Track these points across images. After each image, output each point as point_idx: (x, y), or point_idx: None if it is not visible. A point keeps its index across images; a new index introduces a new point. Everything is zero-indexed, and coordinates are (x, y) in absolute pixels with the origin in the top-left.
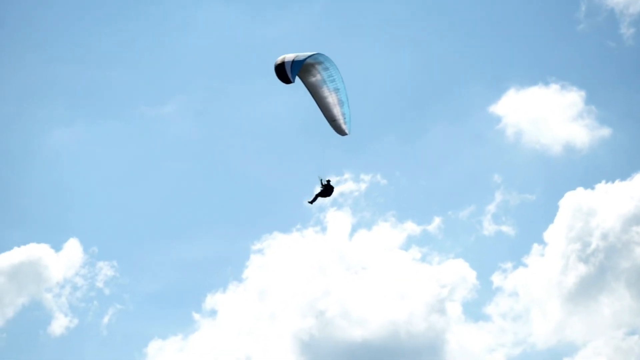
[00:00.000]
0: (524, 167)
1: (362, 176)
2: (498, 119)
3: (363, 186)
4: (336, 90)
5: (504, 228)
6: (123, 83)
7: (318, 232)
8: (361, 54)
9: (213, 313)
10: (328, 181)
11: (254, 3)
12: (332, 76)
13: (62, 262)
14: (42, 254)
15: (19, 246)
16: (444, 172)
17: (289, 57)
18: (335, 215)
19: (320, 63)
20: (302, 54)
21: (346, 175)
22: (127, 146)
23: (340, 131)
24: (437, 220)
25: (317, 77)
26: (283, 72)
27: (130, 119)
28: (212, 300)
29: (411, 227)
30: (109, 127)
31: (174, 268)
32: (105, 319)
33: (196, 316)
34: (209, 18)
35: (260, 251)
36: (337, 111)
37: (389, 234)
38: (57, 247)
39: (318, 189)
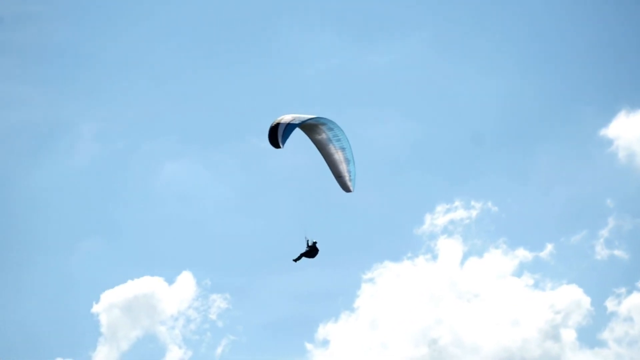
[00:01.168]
0: (637, 191)
1: (473, 203)
2: (609, 142)
3: (474, 213)
4: (342, 149)
5: (617, 252)
6: (232, 114)
7: (429, 260)
8: (470, 79)
9: (325, 343)
10: (314, 242)
11: (363, 31)
12: (337, 136)
13: (175, 295)
14: (156, 287)
15: (133, 279)
16: (555, 197)
17: (286, 119)
18: (446, 243)
19: (324, 124)
20: (301, 117)
21: (456, 203)
22: (237, 177)
23: (345, 187)
24: (549, 247)
25: (322, 136)
26: (274, 136)
27: (239, 149)
28: (324, 330)
29: (523, 254)
30: (219, 158)
31: (285, 299)
32: (219, 350)
33: (309, 346)
34: (318, 46)
35: (371, 280)
36: (342, 168)
37: (500, 261)
38: (170, 280)
39: (303, 249)
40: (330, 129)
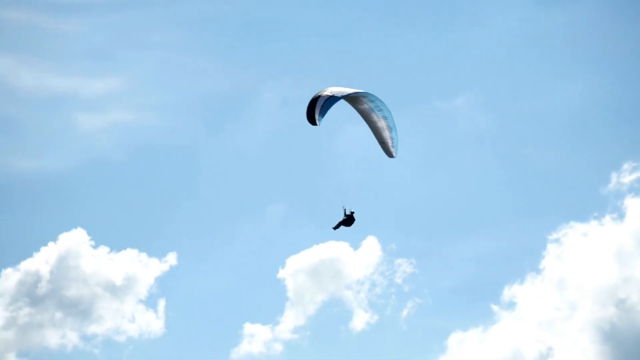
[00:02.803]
0: None
1: None
2: None
3: None
4: (384, 117)
5: None
6: (415, 77)
7: (615, 220)
8: None
9: (512, 305)
10: (352, 212)
11: None
12: (379, 106)
13: (360, 259)
14: (342, 252)
15: (318, 244)
16: None
17: (326, 93)
18: (633, 202)
19: (365, 96)
20: (342, 90)
21: None
22: (421, 140)
23: (388, 153)
24: None
25: (365, 106)
26: (312, 113)
27: (423, 112)
28: (510, 292)
29: None
30: (401, 121)
31: (471, 261)
32: (404, 313)
33: (495, 308)
34: (498, 8)
35: (557, 241)
36: (385, 135)
37: None
38: (355, 245)
39: (341, 219)
40: (372, 101)
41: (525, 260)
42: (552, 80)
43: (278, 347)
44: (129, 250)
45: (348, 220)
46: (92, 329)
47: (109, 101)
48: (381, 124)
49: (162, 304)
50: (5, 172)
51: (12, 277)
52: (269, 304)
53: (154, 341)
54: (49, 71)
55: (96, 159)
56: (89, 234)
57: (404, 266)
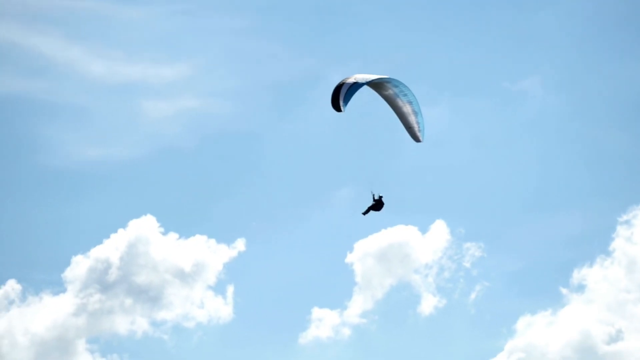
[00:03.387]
0: None
1: None
2: None
3: None
4: (409, 102)
5: None
6: (484, 59)
7: None
8: None
9: (581, 287)
10: (380, 197)
11: None
12: (404, 91)
13: (429, 243)
14: (410, 236)
15: (386, 228)
16: None
17: (350, 80)
18: None
19: (389, 82)
20: (366, 77)
21: None
22: (490, 122)
23: (415, 138)
24: None
25: (389, 92)
26: (336, 99)
27: (492, 94)
28: (579, 274)
29: None
30: (470, 104)
31: (539, 245)
32: (472, 296)
33: (564, 291)
34: None
35: (627, 223)
36: (412, 120)
37: None
38: (424, 229)
39: (370, 204)
40: (396, 86)
41: (594, 242)
42: (624, 61)
43: (346, 332)
44: (197, 236)
45: (377, 204)
46: (162, 315)
47: (176, 88)
48: (407, 109)
49: (230, 290)
50: (75, 160)
51: (82, 264)
52: (337, 288)
53: (222, 327)
54: (118, 59)
55: (164, 146)
56: (158, 220)
57: (473, 250)
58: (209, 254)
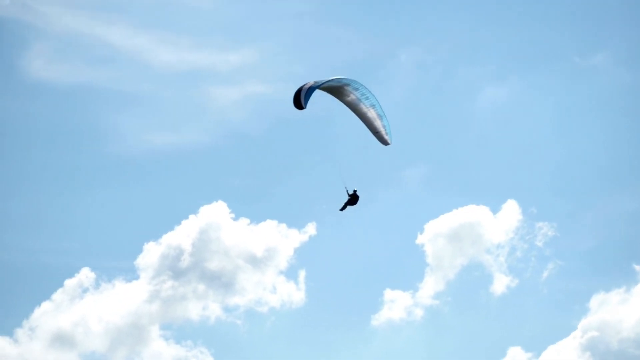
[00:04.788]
0: None
1: None
2: None
3: None
4: (372, 106)
5: None
6: (554, 34)
7: None
8: None
9: None
10: (355, 190)
11: None
12: (365, 94)
13: (500, 223)
14: (481, 216)
15: (457, 208)
16: None
17: (308, 84)
18: None
19: (348, 85)
20: (320, 80)
21: None
22: (560, 98)
23: (383, 141)
24: None
25: (351, 97)
26: (297, 99)
27: (562, 70)
28: None
29: None
30: (541, 81)
31: (612, 222)
32: (545, 276)
33: (637, 268)
34: None
35: None
36: (377, 124)
37: None
38: (495, 209)
39: (346, 198)
40: (356, 89)
41: None
42: None
43: (419, 313)
44: (268, 221)
45: (352, 199)
46: (234, 300)
47: (243, 74)
48: (371, 113)
49: (302, 274)
50: (145, 148)
51: (154, 250)
52: (409, 269)
53: (295, 311)
54: (184, 47)
55: (233, 131)
56: (229, 206)
57: (545, 229)
58: (280, 238)
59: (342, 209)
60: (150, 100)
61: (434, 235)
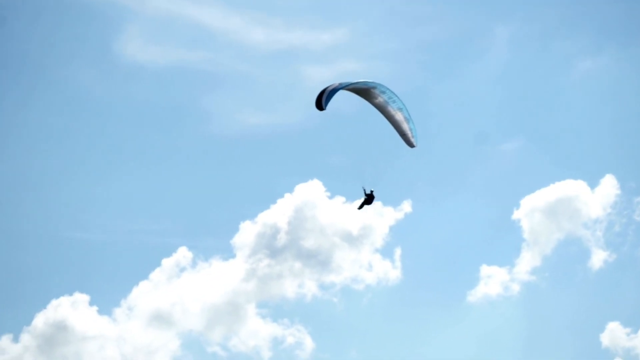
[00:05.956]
0: None
1: None
2: None
3: None
4: (400, 109)
5: None
6: None
7: None
8: None
9: None
10: (372, 191)
11: None
12: (392, 97)
13: (598, 198)
14: (579, 191)
15: (554, 183)
16: None
17: (332, 86)
18: None
19: (374, 88)
20: (345, 82)
21: None
22: None
23: (409, 144)
24: None
25: (379, 99)
26: (319, 100)
27: None
28: None
29: None
30: (637, 53)
31: None
32: None
33: None
34: None
35: None
36: (405, 127)
37: None
38: (593, 184)
39: (362, 198)
40: (383, 92)
41: None
42: None
43: (515, 288)
44: None
45: (369, 198)
46: (331, 278)
47: (336, 52)
48: (398, 116)
49: (397, 252)
50: (240, 128)
51: (250, 229)
52: (505, 245)
53: (391, 288)
54: (277, 26)
55: (327, 109)
56: (324, 185)
57: None
58: (375, 216)
59: (359, 207)
60: (244, 81)
61: (530, 210)
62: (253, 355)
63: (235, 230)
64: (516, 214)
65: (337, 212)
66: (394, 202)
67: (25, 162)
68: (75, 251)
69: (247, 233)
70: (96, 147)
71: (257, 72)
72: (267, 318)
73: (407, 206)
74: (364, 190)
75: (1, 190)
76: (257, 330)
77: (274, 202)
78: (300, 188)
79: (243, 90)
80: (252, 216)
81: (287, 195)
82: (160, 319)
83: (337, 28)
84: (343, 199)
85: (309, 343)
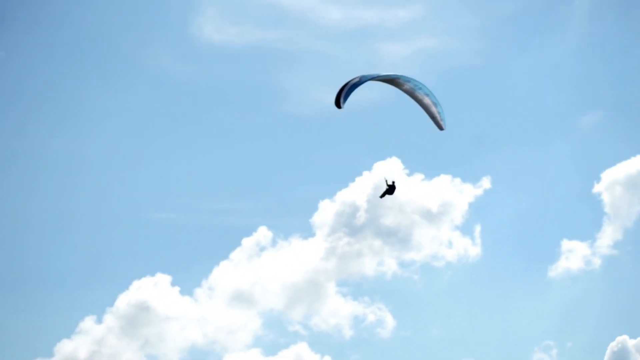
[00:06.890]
0: None
1: None
2: None
3: None
4: (427, 94)
5: None
6: None
7: None
8: None
9: None
10: (393, 182)
11: None
12: (417, 85)
13: None
14: None
15: (635, 156)
16: None
17: (352, 81)
18: None
19: (398, 78)
20: (366, 75)
21: None
22: None
23: (439, 126)
24: None
25: (406, 86)
26: (337, 99)
27: None
28: None
29: None
30: None
31: None
32: None
33: None
34: None
35: None
36: (433, 110)
37: None
38: None
39: (384, 188)
40: (408, 80)
41: None
42: None
43: (597, 262)
44: (442, 176)
45: (390, 189)
46: (410, 255)
47: (413, 29)
48: (426, 100)
49: (477, 229)
50: (317, 106)
51: (329, 208)
52: (586, 219)
53: (471, 265)
54: (353, 4)
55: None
56: (403, 162)
57: None
58: (454, 193)
59: (382, 196)
60: (321, 59)
61: (611, 184)
62: (334, 334)
63: (314, 209)
64: (597, 187)
65: (415, 189)
66: (473, 179)
67: (108, 145)
68: (156, 232)
69: (326, 212)
70: (175, 127)
71: (333, 50)
72: (348, 296)
73: (486, 182)
74: (386, 181)
75: (85, 173)
76: (337, 309)
77: (353, 180)
78: (378, 166)
79: (319, 68)
80: (331, 195)
81: (365, 173)
82: (241, 299)
83: (413, 4)
84: (422, 176)
85: (390, 321)
